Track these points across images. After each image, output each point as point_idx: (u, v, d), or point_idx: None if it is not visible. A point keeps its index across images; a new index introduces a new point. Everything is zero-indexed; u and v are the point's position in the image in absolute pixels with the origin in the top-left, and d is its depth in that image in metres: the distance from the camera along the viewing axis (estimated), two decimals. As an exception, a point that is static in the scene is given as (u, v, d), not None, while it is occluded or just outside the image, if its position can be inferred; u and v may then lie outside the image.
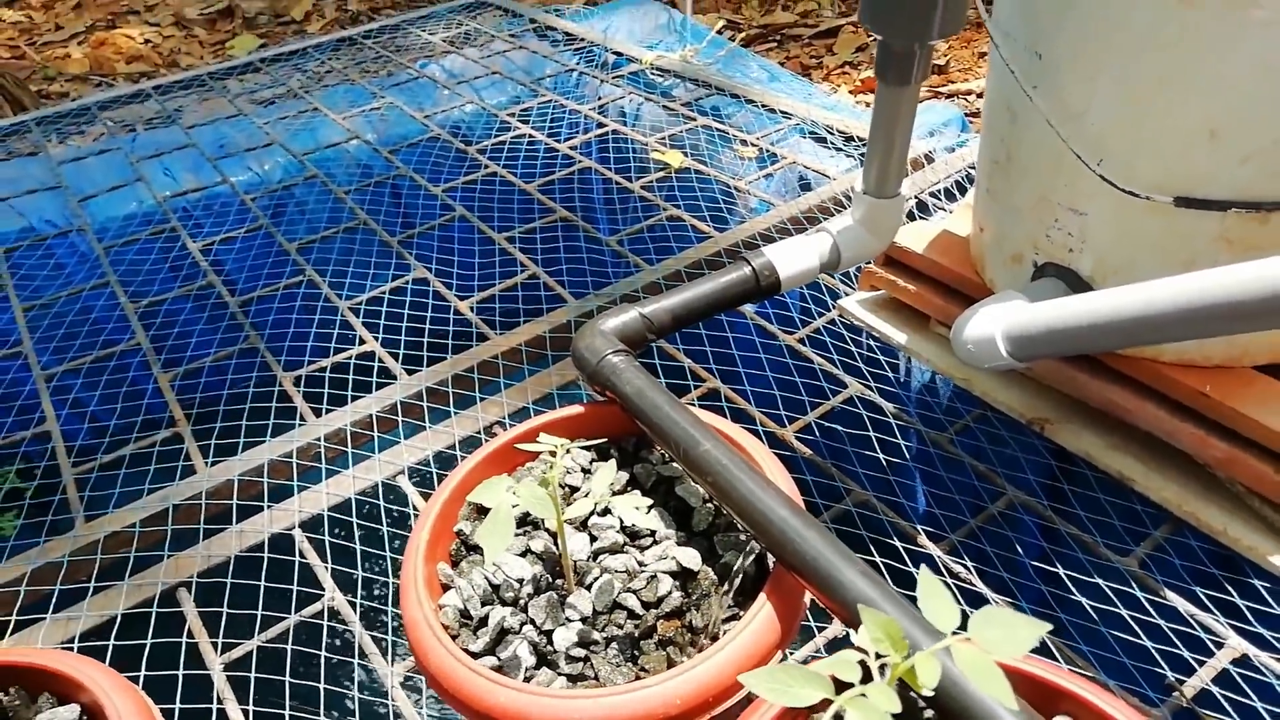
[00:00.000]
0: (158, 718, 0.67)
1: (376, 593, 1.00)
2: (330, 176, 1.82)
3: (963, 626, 0.47)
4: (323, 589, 1.00)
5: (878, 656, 0.48)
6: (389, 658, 0.94)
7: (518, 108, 2.02)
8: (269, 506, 1.08)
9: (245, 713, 0.90)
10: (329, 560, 1.03)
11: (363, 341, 1.32)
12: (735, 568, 0.70)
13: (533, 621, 0.70)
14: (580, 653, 0.68)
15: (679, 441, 0.73)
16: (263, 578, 1.01)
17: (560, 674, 0.67)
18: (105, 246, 1.64)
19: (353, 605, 0.99)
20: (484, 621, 0.71)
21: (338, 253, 1.56)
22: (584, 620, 0.70)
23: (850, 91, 3.20)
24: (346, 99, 2.16)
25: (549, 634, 0.70)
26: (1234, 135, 0.81)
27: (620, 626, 0.70)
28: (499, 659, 0.69)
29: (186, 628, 0.98)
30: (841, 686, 0.46)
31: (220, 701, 0.90)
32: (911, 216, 1.50)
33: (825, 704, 0.45)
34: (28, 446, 1.23)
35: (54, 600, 1.00)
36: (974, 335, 0.92)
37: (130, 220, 1.79)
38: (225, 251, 1.62)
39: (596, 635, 0.69)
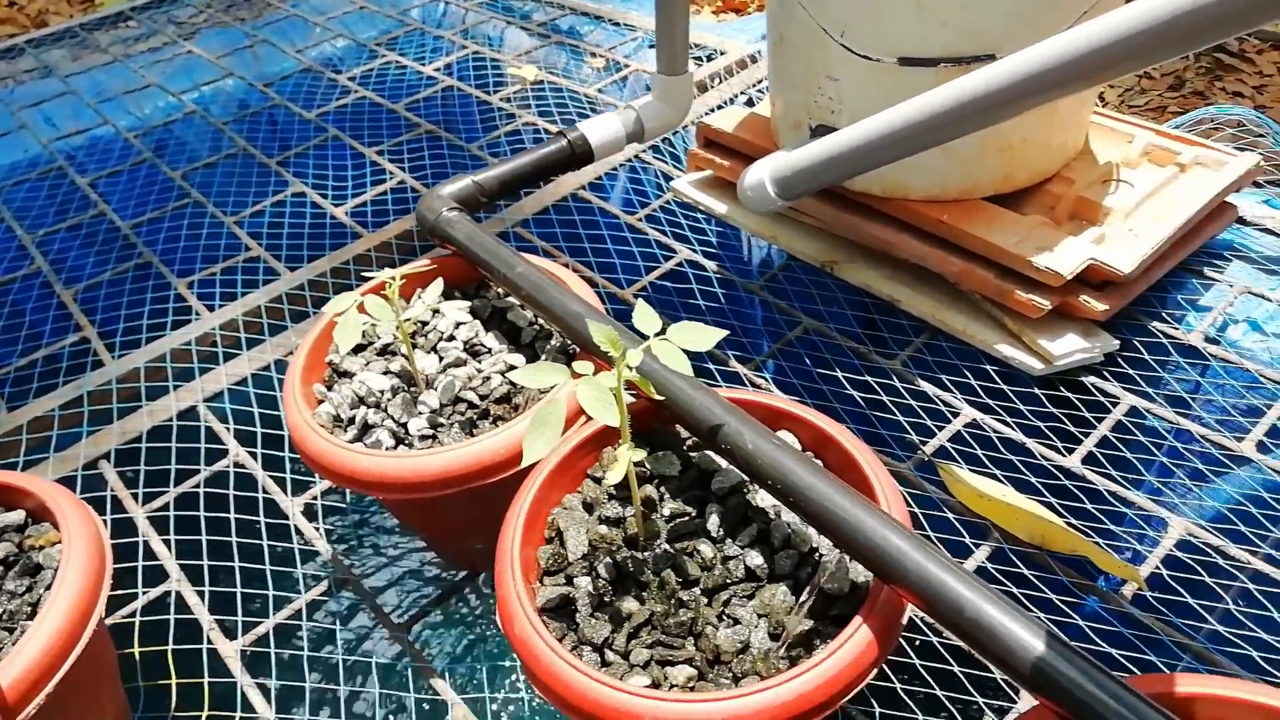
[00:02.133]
0: (90, 510, 0.84)
1: (275, 447, 1.17)
2: (208, 112, 1.93)
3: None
4: (227, 447, 1.17)
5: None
6: (288, 492, 1.11)
7: (386, 37, 2.14)
8: (175, 387, 1.24)
9: (167, 543, 1.06)
10: (231, 424, 1.19)
11: (248, 248, 1.47)
12: (545, 357, 0.89)
13: (391, 417, 0.88)
14: (430, 433, 0.87)
15: (500, 267, 0.92)
16: (173, 442, 1.16)
17: (414, 449, 0.86)
18: (-5, 188, 1.74)
19: (254, 456, 1.15)
20: (352, 420, 0.89)
21: (220, 176, 1.68)
22: (433, 411, 0.89)
23: (713, 11, 3.37)
24: (220, 41, 2.25)
25: (405, 425, 0.88)
26: (934, 6, 1.01)
27: (462, 414, 0.89)
28: (365, 445, 0.87)
29: (109, 488, 1.13)
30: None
31: (144, 537, 1.07)
32: (739, 110, 1.69)
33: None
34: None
35: (-13, 476, 1.14)
36: (750, 182, 1.12)
37: (16, 166, 1.87)
38: (112, 184, 1.73)
39: (442, 420, 0.88)
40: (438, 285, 0.87)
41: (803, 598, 0.67)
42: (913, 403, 1.12)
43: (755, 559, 0.71)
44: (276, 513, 1.11)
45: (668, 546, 0.73)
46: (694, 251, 1.39)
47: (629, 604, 0.70)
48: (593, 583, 0.71)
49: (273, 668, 0.93)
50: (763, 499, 0.76)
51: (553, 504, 0.79)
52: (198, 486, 1.13)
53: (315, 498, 1.11)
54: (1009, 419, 1.08)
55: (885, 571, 0.63)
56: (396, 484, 0.81)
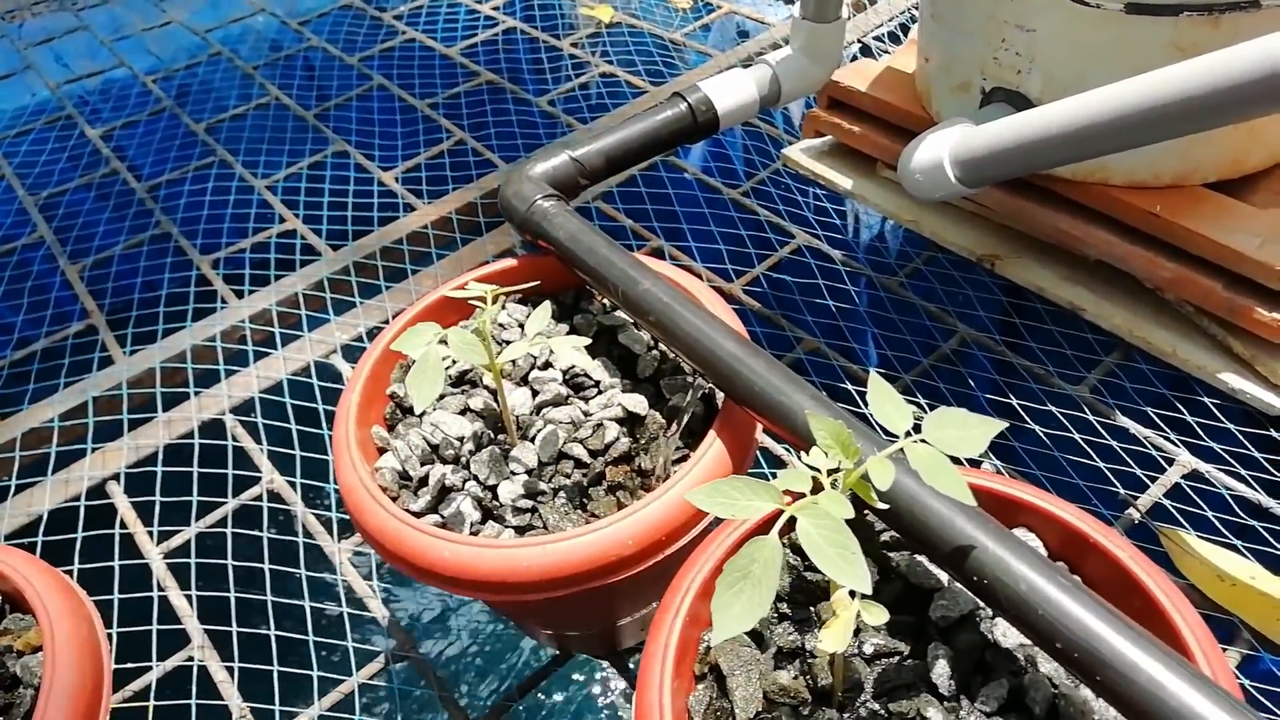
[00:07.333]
0: (85, 600, 0.64)
1: (318, 472, 0.96)
2: (236, 53, 1.69)
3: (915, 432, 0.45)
4: (260, 472, 0.97)
5: (829, 473, 0.46)
6: (334, 535, 0.91)
7: (434, -29, 1.89)
8: (196, 393, 1.03)
9: (188, 598, 0.86)
10: (264, 443, 0.99)
11: (283, 220, 1.25)
12: (683, 406, 0.67)
13: (476, 477, 0.67)
14: (527, 504, 0.65)
15: (617, 282, 0.69)
16: (195, 464, 0.96)
17: (507, 526, 0.64)
18: (-4, 138, 1.53)
19: (293, 486, 0.95)
20: (424, 481, 0.68)
21: (250, 131, 1.46)
22: (529, 472, 0.67)
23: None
24: (248, -29, 2.01)
25: (493, 489, 0.67)
26: (1186, -71, 0.76)
27: (568, 476, 0.67)
28: (442, 517, 0.65)
29: (119, 520, 0.93)
30: (796, 500, 0.43)
31: (161, 589, 0.87)
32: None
33: (779, 518, 0.42)
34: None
35: (-27, 503, 0.95)
36: (921, 163, 0.88)
37: (21, 113, 1.66)
38: (128, 137, 1.51)
39: (543, 486, 0.66)
40: (545, 311, 0.64)
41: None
42: (1112, 442, 0.89)
43: (1015, 739, 0.49)
44: (320, 559, 0.91)
45: (876, 707, 0.51)
46: (815, 236, 1.15)
47: (834, 801, 0.48)
48: (777, 762, 0.50)
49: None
50: (1003, 633, 0.54)
51: (703, 625, 0.57)
52: (224, 524, 0.92)
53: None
54: (1243, 471, 0.85)
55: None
56: (487, 584, 0.60)
